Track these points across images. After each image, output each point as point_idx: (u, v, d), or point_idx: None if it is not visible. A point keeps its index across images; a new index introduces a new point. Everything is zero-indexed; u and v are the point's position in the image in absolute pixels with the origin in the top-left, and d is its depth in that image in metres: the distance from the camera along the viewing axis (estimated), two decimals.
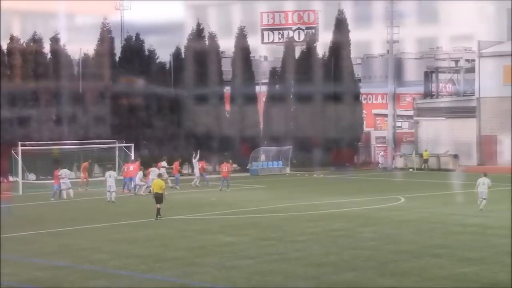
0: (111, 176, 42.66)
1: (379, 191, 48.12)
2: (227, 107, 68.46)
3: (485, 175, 37.73)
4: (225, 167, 49.46)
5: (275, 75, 71.78)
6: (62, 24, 65.82)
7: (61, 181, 43.91)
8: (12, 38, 57.97)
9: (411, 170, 68.20)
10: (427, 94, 78.15)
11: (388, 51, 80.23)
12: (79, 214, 36.84)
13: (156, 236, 28.85)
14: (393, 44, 75.10)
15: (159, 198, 33.68)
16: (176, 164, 51.33)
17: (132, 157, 51.10)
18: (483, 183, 36.75)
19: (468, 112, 69.68)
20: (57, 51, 59.06)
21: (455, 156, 68.85)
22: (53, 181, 44.80)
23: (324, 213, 36.09)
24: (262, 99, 72.67)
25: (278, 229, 30.45)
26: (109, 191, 41.83)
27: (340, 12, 72.85)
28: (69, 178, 44.66)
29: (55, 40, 59.36)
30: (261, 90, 76.12)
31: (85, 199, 43.92)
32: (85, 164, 49.51)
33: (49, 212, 37.85)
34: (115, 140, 54.78)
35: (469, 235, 28.54)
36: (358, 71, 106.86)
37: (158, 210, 33.55)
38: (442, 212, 36.05)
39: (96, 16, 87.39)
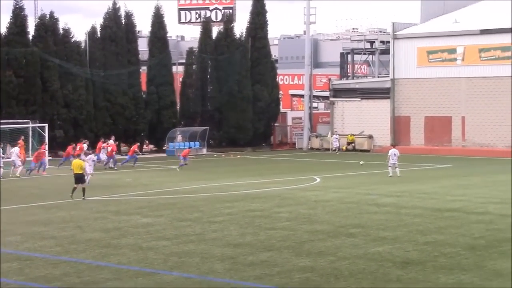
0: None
1: (295, 171, 48.52)
2: (144, 87, 67.92)
3: (394, 146, 45.87)
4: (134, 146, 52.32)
5: (192, 55, 71.49)
6: None
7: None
8: None
9: (333, 151, 68.30)
10: (343, 75, 79.00)
11: (304, 32, 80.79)
12: None
13: (71, 217, 28.53)
14: (309, 25, 75.56)
15: (80, 178, 33.61)
16: (113, 146, 51.29)
17: (46, 138, 50.50)
18: (394, 154, 43.67)
19: (382, 93, 70.74)
20: None
21: (370, 137, 69.96)
22: None
23: (241, 193, 36.21)
24: (179, 79, 72.37)
25: (195, 210, 30.42)
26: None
27: None
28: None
29: None
30: (178, 70, 75.83)
31: None
32: (21, 142, 48.73)
33: None
34: (28, 120, 53.90)
35: (383, 214, 28.91)
36: (275, 52, 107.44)
37: (74, 189, 33.38)
38: (357, 192, 36.45)
39: None
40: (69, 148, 50.13)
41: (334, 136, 69.22)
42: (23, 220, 28.14)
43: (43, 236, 24.53)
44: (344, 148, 69.07)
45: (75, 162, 34.63)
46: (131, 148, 54.54)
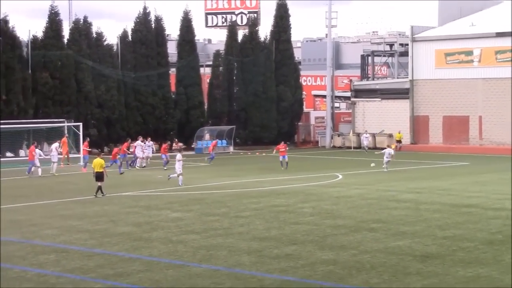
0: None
1: (318, 169, 48.97)
2: (173, 88, 69.02)
3: (389, 146, 48.82)
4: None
5: (219, 58, 72.44)
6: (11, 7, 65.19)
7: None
8: None
9: (351, 150, 68.78)
10: (364, 76, 79.57)
11: (326, 35, 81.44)
12: (30, 191, 37.05)
13: (105, 212, 29.22)
14: (331, 29, 76.15)
15: (100, 176, 34.28)
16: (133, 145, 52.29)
17: (81, 136, 51.81)
18: (389, 153, 46.37)
19: (402, 93, 71.35)
20: (6, 33, 58.48)
21: (390, 136, 70.27)
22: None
23: (266, 189, 36.75)
24: (206, 80, 73.39)
25: (222, 205, 31.05)
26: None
27: None
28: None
29: (4, 21, 58.86)
30: (205, 72, 76.88)
31: (36, 177, 44.02)
32: (64, 139, 49.73)
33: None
34: (63, 120, 55.18)
35: (403, 210, 29.36)
36: (298, 54, 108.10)
37: (100, 187, 34.09)
38: (378, 188, 36.86)
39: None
40: (124, 145, 50.46)
41: (364, 135, 68.66)
42: (59, 214, 28.97)
43: (79, 229, 25.27)
44: (393, 146, 67.29)
45: (96, 161, 35.12)
46: (210, 146, 56.13)
